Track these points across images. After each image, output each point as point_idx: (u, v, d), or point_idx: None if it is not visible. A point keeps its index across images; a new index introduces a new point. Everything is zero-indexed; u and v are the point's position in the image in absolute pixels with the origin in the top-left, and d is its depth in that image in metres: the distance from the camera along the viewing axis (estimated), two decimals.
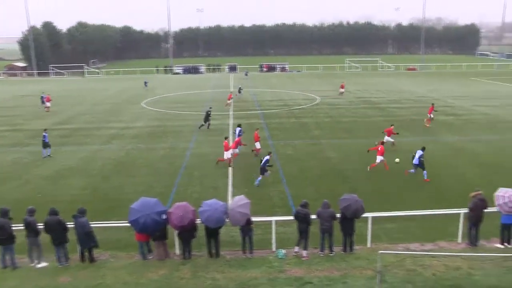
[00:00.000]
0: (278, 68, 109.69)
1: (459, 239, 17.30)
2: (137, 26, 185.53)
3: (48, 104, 52.09)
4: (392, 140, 31.75)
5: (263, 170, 24.78)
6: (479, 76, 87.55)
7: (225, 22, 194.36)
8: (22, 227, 15.56)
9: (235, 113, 47.76)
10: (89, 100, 60.94)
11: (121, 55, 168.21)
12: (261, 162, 24.94)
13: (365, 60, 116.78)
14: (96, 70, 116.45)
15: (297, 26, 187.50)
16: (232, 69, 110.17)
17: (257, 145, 30.63)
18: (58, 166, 29.27)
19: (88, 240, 15.47)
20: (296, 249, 16.28)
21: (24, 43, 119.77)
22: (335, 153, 31.33)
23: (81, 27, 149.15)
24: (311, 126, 40.84)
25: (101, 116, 48.46)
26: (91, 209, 18.49)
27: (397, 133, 32.68)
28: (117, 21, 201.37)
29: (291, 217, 16.56)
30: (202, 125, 39.55)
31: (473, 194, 16.95)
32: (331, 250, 16.15)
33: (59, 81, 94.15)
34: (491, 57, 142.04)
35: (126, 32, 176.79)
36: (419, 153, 25.38)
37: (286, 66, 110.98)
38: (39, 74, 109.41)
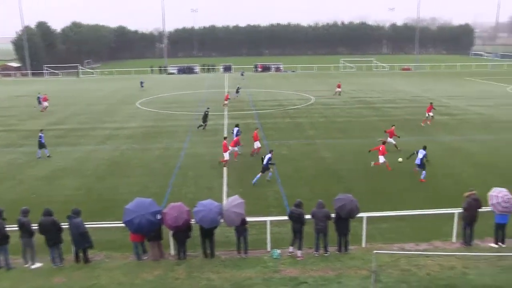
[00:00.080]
0: (273, 68, 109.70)
1: (454, 239, 17.35)
2: (131, 26, 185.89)
3: (45, 103, 51.96)
4: (394, 142, 31.62)
5: (265, 169, 24.86)
6: (473, 76, 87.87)
7: (219, 22, 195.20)
8: (16, 228, 15.50)
9: (229, 113, 47.73)
10: (84, 101, 60.73)
11: (116, 55, 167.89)
12: (262, 161, 25.01)
13: (360, 60, 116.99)
14: (91, 70, 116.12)
15: (292, 26, 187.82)
16: (227, 69, 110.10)
17: (257, 144, 30.63)
18: (53, 167, 29.16)
19: (82, 240, 15.41)
20: (291, 249, 16.29)
21: (18, 43, 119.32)
22: (329, 153, 31.37)
23: (75, 27, 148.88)
24: (306, 126, 40.88)
25: (95, 116, 48.31)
26: (86, 209, 18.46)
27: (398, 136, 32.48)
28: (112, 21, 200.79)
29: (286, 217, 16.56)
30: (201, 125, 39.51)
31: (467, 194, 17.01)
32: (326, 250, 16.16)
33: (53, 82, 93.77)
34: (485, 57, 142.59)
35: (121, 32, 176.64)
36: (422, 152, 25.33)
37: (281, 66, 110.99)
38: (33, 74, 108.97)
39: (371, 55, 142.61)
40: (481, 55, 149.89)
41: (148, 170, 28.21)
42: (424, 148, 25.69)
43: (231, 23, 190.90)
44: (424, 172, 25.17)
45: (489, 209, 16.61)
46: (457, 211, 17.16)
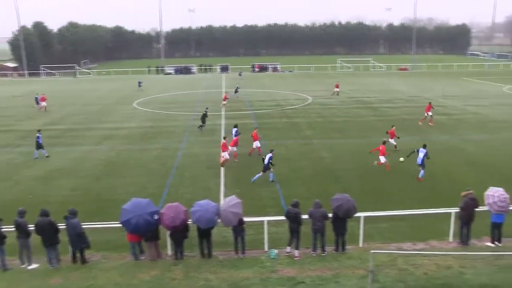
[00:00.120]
0: (270, 68, 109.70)
1: (451, 238, 17.38)
2: (128, 26, 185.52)
3: (43, 103, 51.86)
4: (394, 143, 31.58)
5: (266, 168, 24.92)
6: (470, 76, 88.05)
7: (217, 22, 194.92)
8: (13, 229, 15.46)
9: (227, 114, 47.71)
10: (81, 101, 60.61)
11: (113, 56, 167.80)
12: (263, 161, 25.06)
13: (357, 60, 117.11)
14: (87, 70, 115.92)
15: (289, 26, 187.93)
16: (224, 69, 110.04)
17: (256, 144, 30.62)
18: (49, 167, 29.11)
19: (79, 241, 15.38)
20: (288, 249, 16.29)
21: (14, 43, 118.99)
22: (327, 153, 31.39)
23: (72, 27, 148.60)
24: (303, 126, 40.89)
25: (92, 116, 48.24)
26: (83, 210, 18.43)
27: (398, 137, 32.47)
28: (109, 21, 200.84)
29: (283, 217, 16.56)
30: (201, 125, 39.49)
31: (464, 193, 17.03)
32: (323, 250, 16.17)
33: (50, 82, 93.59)
34: (481, 57, 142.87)
35: (118, 32, 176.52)
36: (422, 151, 25.38)
37: (278, 66, 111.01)
38: (30, 74, 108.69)
39: (368, 55, 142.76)
40: (477, 55, 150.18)
41: (145, 170, 28.18)
42: (424, 146, 25.77)
43: (228, 23, 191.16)
44: (422, 171, 25.22)
45: (486, 209, 16.66)
46: (454, 210, 17.19)
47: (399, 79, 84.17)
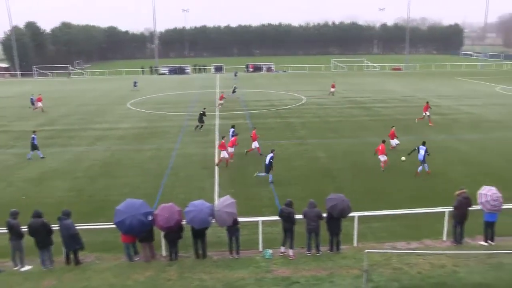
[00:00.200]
0: (264, 69, 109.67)
1: (444, 237, 17.45)
2: (122, 27, 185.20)
3: (40, 104, 51.63)
4: (397, 142, 31.58)
5: (268, 168, 24.96)
6: (463, 76, 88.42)
7: (211, 23, 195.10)
8: (5, 230, 15.38)
9: (221, 114, 47.68)
10: (74, 101, 60.38)
11: (106, 56, 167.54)
12: (265, 161, 25.16)
13: (351, 60, 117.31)
14: (81, 71, 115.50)
15: (283, 26, 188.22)
16: (218, 69, 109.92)
17: (255, 144, 30.64)
18: (43, 168, 28.98)
19: (73, 242, 15.31)
20: (282, 249, 16.29)
21: (6, 43, 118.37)
22: (321, 152, 31.43)
23: (65, 27, 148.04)
24: (298, 126, 40.94)
25: (86, 117, 48.05)
26: (77, 211, 18.39)
27: (396, 136, 32.47)
28: (102, 22, 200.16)
29: (278, 217, 16.54)
30: (198, 125, 39.48)
31: (458, 192, 17.07)
32: (317, 250, 16.18)
33: (43, 82, 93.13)
34: (474, 57, 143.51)
35: (111, 32, 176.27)
36: (423, 148, 25.90)
37: (272, 66, 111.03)
38: (22, 75, 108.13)
39: (362, 55, 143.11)
40: (470, 55, 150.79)
41: (140, 171, 28.12)
42: (424, 143, 26.25)
43: (222, 23, 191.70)
44: (426, 165, 25.83)
45: (479, 208, 16.72)
46: (447, 209, 17.26)
47: (393, 79, 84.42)
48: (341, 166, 28.30)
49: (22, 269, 15.47)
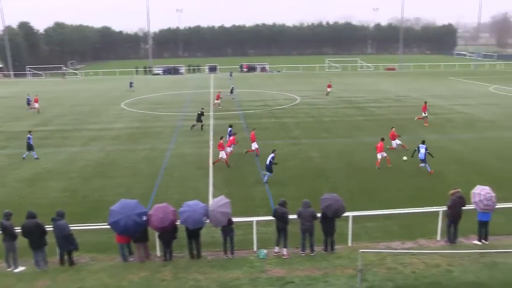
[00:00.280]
0: (258, 69, 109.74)
1: (438, 237, 17.51)
2: (116, 27, 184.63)
3: (37, 105, 51.42)
4: (399, 142, 31.55)
5: (269, 168, 25.02)
6: (457, 76, 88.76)
7: (205, 23, 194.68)
8: None
9: (215, 114, 47.62)
10: (68, 102, 60.18)
11: (100, 56, 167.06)
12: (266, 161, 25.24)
13: (345, 60, 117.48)
14: (75, 71, 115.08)
15: (277, 26, 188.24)
16: (212, 69, 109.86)
17: (254, 145, 30.67)
18: (37, 169, 28.86)
19: (67, 243, 15.25)
20: (277, 249, 16.29)
21: None
22: (315, 152, 31.47)
23: (58, 27, 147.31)
24: (292, 126, 40.97)
25: (80, 117, 47.89)
26: (71, 211, 18.32)
27: (399, 135, 32.40)
28: (96, 22, 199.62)
29: (272, 217, 16.55)
30: (201, 126, 39.47)
31: (451, 192, 17.12)
32: (312, 250, 16.19)
33: (37, 82, 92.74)
34: (468, 57, 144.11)
35: (105, 32, 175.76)
36: (423, 147, 26.28)
37: (266, 66, 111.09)
38: (15, 75, 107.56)
39: (356, 55, 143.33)
40: (464, 55, 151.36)
41: (134, 171, 28.06)
42: (423, 142, 26.66)
43: (216, 23, 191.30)
44: (427, 164, 26.13)
45: (473, 207, 16.78)
46: (441, 209, 17.32)
47: (387, 79, 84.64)
48: (335, 166, 28.35)
49: (16, 270, 15.39)
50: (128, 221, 14.96)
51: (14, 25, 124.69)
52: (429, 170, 26.12)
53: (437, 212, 17.45)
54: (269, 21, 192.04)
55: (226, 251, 16.18)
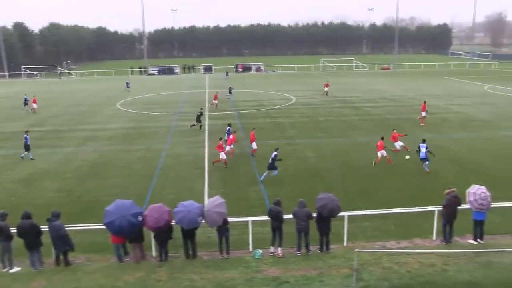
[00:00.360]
0: (253, 69, 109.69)
1: (434, 236, 17.55)
2: (111, 27, 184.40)
3: (34, 105, 51.27)
4: (401, 144, 31.20)
5: (273, 166, 25.15)
6: (452, 75, 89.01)
7: (199, 23, 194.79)
8: None
9: (210, 114, 47.56)
10: (64, 102, 60.01)
11: (95, 56, 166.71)
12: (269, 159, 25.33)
13: (340, 60, 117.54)
14: (70, 71, 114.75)
15: (272, 26, 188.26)
16: (207, 69, 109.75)
17: (254, 145, 30.67)
18: (32, 169, 28.76)
19: (63, 243, 15.21)
20: (272, 249, 16.31)
21: None
22: (311, 152, 31.50)
23: (53, 27, 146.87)
24: (287, 126, 40.99)
25: (76, 118, 47.75)
26: (66, 212, 18.26)
27: (406, 135, 32.47)
28: (91, 22, 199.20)
29: (268, 217, 16.56)
30: (200, 125, 39.54)
31: (447, 191, 17.18)
32: (307, 249, 16.21)
33: (32, 83, 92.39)
34: (462, 57, 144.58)
35: (100, 33, 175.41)
36: (423, 146, 26.32)
37: (262, 66, 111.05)
38: (10, 76, 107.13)
39: (351, 55, 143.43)
40: (459, 54, 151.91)
41: (129, 171, 28.01)
42: (424, 141, 26.73)
43: (211, 23, 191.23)
44: (427, 163, 26.20)
45: (468, 206, 16.84)
46: (437, 208, 17.36)
47: (382, 79, 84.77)
48: (330, 165, 28.38)
49: (11, 271, 15.35)
50: (123, 221, 14.94)
51: (9, 25, 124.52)
52: (427, 169, 26.21)
53: (433, 211, 17.49)
54: (264, 21, 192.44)
55: (221, 251, 16.18)
